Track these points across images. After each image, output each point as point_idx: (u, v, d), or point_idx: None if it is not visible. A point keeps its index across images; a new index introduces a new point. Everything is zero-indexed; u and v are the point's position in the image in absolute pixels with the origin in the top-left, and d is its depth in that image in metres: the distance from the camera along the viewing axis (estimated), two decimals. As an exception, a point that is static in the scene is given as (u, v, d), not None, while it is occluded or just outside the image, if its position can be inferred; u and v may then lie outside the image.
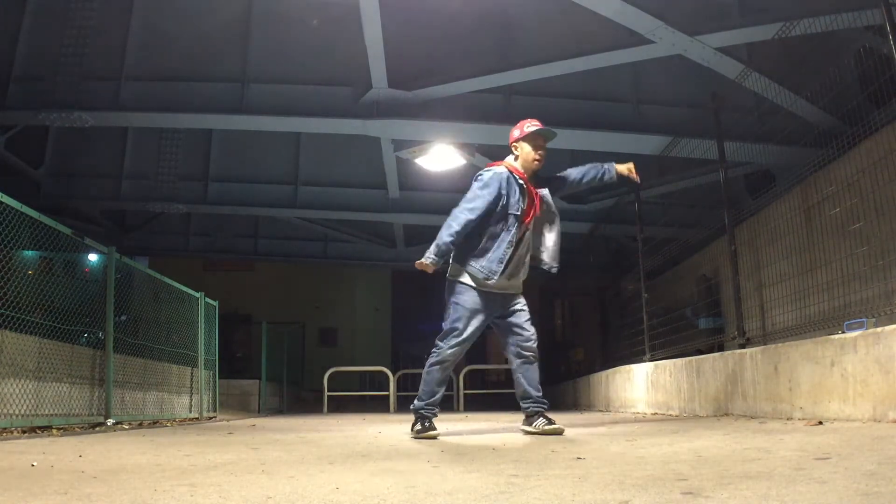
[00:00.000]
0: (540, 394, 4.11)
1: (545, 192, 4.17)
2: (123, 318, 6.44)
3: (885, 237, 4.90)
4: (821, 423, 3.62)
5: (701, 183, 8.15)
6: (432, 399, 4.03)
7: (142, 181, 10.35)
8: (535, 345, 4.11)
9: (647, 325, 7.94)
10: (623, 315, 10.13)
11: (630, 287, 9.80)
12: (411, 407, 4.11)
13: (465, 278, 3.99)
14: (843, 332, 3.92)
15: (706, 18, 6.33)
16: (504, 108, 8.02)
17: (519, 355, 4.09)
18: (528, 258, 4.11)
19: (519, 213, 3.96)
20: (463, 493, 1.75)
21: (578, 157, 10.25)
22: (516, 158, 4.14)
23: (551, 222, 4.20)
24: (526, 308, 4.16)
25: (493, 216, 3.95)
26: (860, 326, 3.90)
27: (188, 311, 8.29)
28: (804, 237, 5.83)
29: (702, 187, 8.10)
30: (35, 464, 2.55)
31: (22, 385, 4.69)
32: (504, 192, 3.96)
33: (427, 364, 4.06)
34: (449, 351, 3.97)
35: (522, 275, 4.12)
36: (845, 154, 4.84)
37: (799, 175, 5.88)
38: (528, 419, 4.09)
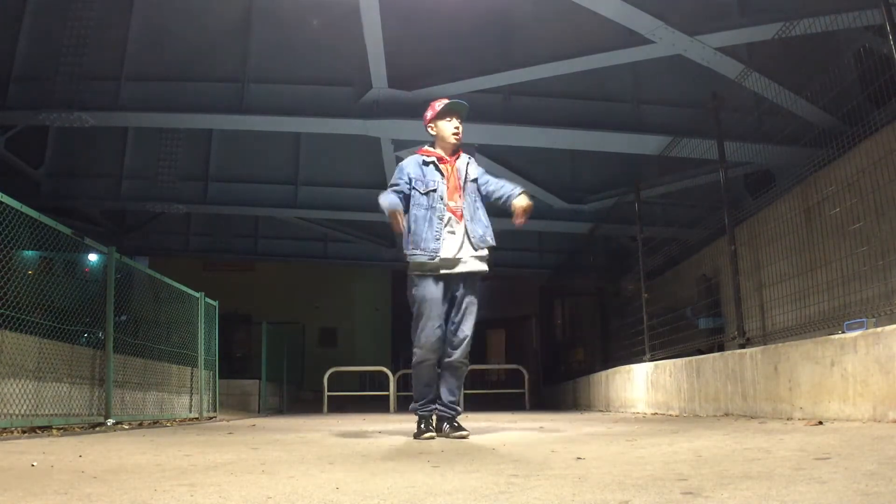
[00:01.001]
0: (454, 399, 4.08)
1: (463, 164, 4.13)
2: (123, 318, 6.44)
3: (885, 237, 4.91)
4: (821, 423, 3.62)
5: (701, 183, 8.15)
6: (425, 399, 4.01)
7: (142, 181, 10.35)
8: (468, 342, 3.98)
9: (647, 325, 7.94)
10: (623, 315, 10.13)
11: (630, 287, 9.80)
12: (409, 409, 4.12)
13: (414, 268, 3.99)
14: (843, 332, 3.92)
15: (706, 18, 6.33)
16: (504, 108, 8.02)
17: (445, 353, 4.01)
18: (469, 235, 3.97)
19: (435, 189, 4.00)
20: (463, 493, 1.75)
21: (578, 157, 10.32)
22: (433, 143, 4.23)
23: (477, 198, 4.13)
24: (473, 300, 3.99)
25: (414, 202, 4.02)
26: (860, 326, 3.90)
27: (188, 311, 8.29)
28: (804, 237, 5.84)
29: (702, 187, 8.10)
30: (35, 464, 2.55)
31: (22, 385, 4.69)
32: (411, 175, 4.06)
33: (412, 366, 4.04)
34: (422, 348, 3.91)
35: (467, 253, 3.95)
36: (845, 154, 4.84)
37: (799, 175, 5.88)
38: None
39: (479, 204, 4.11)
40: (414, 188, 4.05)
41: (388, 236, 13.23)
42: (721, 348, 6.65)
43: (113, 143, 10.12)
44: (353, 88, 7.78)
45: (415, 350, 3.97)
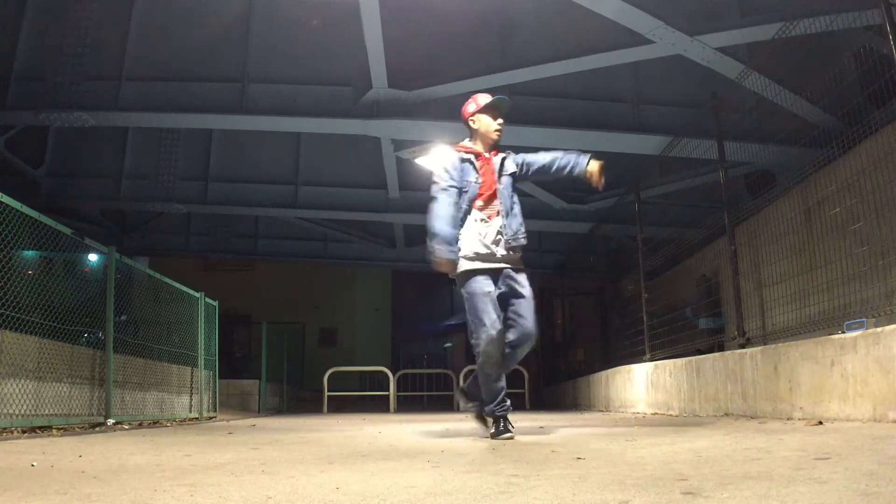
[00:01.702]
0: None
1: (499, 160, 4.05)
2: (123, 318, 6.44)
3: (885, 237, 4.90)
4: (821, 423, 3.62)
5: (701, 183, 8.15)
6: (497, 398, 3.85)
7: (142, 181, 10.36)
8: (534, 330, 3.88)
9: (647, 325, 7.94)
10: (623, 315, 10.14)
11: (630, 287, 9.80)
12: (484, 411, 3.95)
13: (462, 265, 3.94)
14: (843, 332, 3.92)
15: (706, 18, 6.33)
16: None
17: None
18: (504, 234, 3.92)
19: (467, 190, 3.96)
20: (463, 493, 1.75)
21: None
22: (471, 137, 4.15)
23: (513, 194, 4.07)
24: (528, 290, 3.93)
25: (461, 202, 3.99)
26: (860, 326, 3.89)
27: (188, 311, 8.29)
28: (804, 237, 5.84)
29: (702, 187, 8.10)
30: (35, 464, 2.55)
31: (22, 385, 4.69)
32: (459, 180, 4.00)
33: (476, 366, 3.95)
34: (483, 346, 3.80)
35: (501, 251, 3.90)
36: (845, 154, 4.84)
37: (799, 175, 5.88)
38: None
39: (516, 200, 4.06)
40: (460, 187, 4.00)
41: (388, 236, 13.23)
42: (721, 348, 6.65)
43: (113, 143, 10.12)
44: (353, 88, 7.78)
45: (476, 349, 3.84)
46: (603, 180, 4.02)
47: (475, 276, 3.86)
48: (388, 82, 7.31)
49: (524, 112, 8.05)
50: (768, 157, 6.86)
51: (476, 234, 3.90)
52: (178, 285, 7.79)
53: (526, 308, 3.87)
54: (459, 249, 3.89)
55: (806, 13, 5.46)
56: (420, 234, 12.79)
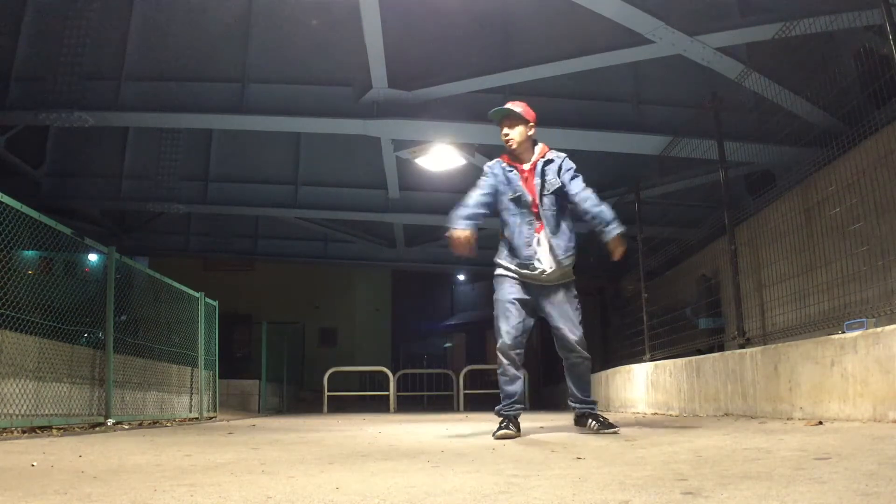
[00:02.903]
0: (586, 396, 4.10)
1: (540, 172, 3.96)
2: (123, 318, 6.44)
3: (885, 237, 4.90)
4: (821, 423, 3.62)
5: (701, 183, 8.15)
6: (510, 400, 3.93)
7: (142, 181, 10.35)
8: (575, 343, 3.95)
9: (647, 325, 7.94)
10: (623, 315, 10.13)
11: (630, 287, 9.80)
12: (494, 411, 4.06)
13: (498, 270, 4.01)
14: (843, 332, 3.92)
15: (706, 18, 6.33)
16: (504, 108, 8.02)
17: (563, 356, 4.06)
18: (555, 247, 3.89)
19: (519, 197, 3.93)
20: (463, 493, 1.75)
21: (578, 157, 10.28)
22: None
23: (559, 209, 3.97)
24: (567, 303, 3.96)
25: (502, 209, 3.99)
26: (860, 326, 3.89)
27: (188, 311, 8.28)
28: (804, 237, 5.83)
29: (702, 187, 8.10)
30: (35, 464, 2.55)
31: (22, 385, 4.69)
32: (498, 180, 3.99)
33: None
34: (498, 351, 3.93)
35: (551, 263, 3.89)
36: (845, 154, 4.84)
37: (799, 175, 5.88)
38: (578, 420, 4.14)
39: (567, 216, 3.99)
40: (500, 194, 3.99)
41: (388, 236, 13.23)
42: (721, 348, 6.65)
43: (113, 143, 10.11)
44: (353, 88, 7.78)
45: (498, 350, 3.96)
46: (620, 257, 3.88)
47: (504, 281, 3.94)
48: (388, 82, 7.31)
49: (524, 112, 8.05)
50: (768, 157, 6.86)
51: (517, 243, 3.92)
52: (177, 285, 7.79)
53: (559, 320, 3.93)
54: (475, 225, 3.88)
55: (806, 13, 5.46)
56: (420, 234, 12.80)
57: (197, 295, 8.42)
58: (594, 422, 3.96)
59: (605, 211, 3.85)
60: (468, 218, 3.89)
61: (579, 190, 3.91)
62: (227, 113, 7.95)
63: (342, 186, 10.73)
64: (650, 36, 6.23)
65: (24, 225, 4.57)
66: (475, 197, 3.99)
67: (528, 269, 3.90)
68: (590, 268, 13.03)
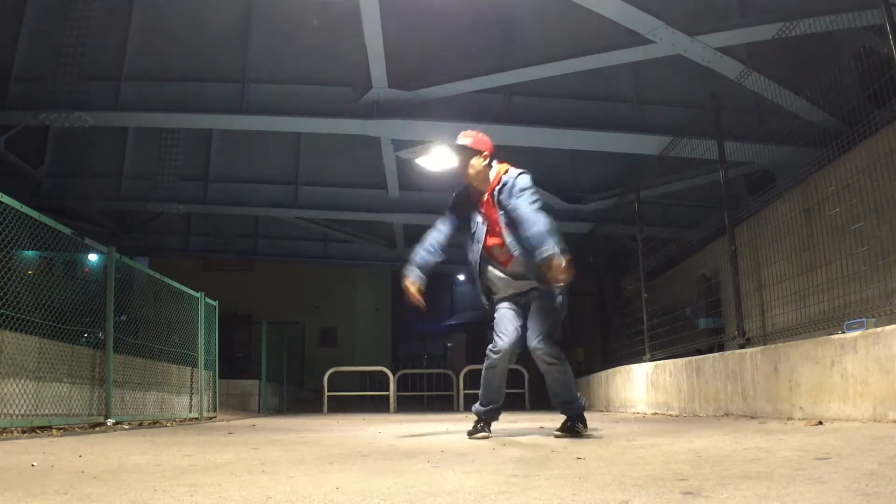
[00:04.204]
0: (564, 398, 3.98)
1: (497, 196, 3.90)
2: (123, 318, 6.44)
3: (884, 237, 4.90)
4: (821, 423, 3.62)
5: (701, 183, 8.15)
6: (490, 404, 3.96)
7: (142, 181, 10.35)
8: (533, 347, 3.84)
9: (647, 325, 7.94)
10: (623, 315, 10.13)
11: (630, 287, 9.80)
12: (472, 409, 4.11)
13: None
14: (843, 332, 3.92)
15: (706, 18, 6.33)
16: (504, 108, 8.03)
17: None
18: (515, 274, 3.89)
19: (476, 231, 3.99)
20: (463, 493, 1.75)
21: (578, 157, 10.31)
22: None
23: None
24: (538, 309, 3.87)
25: (466, 242, 4.07)
26: (860, 326, 3.90)
27: (188, 311, 8.28)
28: (804, 237, 5.84)
29: (702, 187, 8.10)
30: (35, 464, 2.55)
31: (22, 385, 4.69)
32: (461, 217, 4.08)
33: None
34: (486, 354, 3.93)
35: (518, 267, 3.86)
36: (845, 154, 4.84)
37: (799, 175, 5.88)
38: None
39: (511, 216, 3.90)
40: (463, 227, 4.04)
41: (388, 236, 13.24)
42: (721, 348, 6.65)
43: (113, 143, 10.11)
44: (353, 88, 7.78)
45: (487, 354, 3.97)
46: (564, 277, 3.57)
47: (498, 304, 3.97)
48: (388, 82, 7.31)
49: (524, 112, 8.06)
50: (768, 157, 6.86)
51: (490, 272, 3.96)
52: (177, 285, 7.79)
53: (528, 323, 3.89)
54: (424, 280, 3.95)
55: (806, 13, 5.46)
56: (420, 234, 12.78)
57: (197, 295, 8.42)
58: (581, 425, 3.86)
59: (538, 234, 3.62)
60: (419, 267, 3.93)
61: (519, 211, 3.75)
62: (227, 113, 7.96)
63: (342, 186, 10.74)
64: (650, 36, 6.23)
65: (24, 225, 4.57)
66: (432, 239, 4.02)
67: (504, 286, 3.95)
68: (590, 268, 13.08)
